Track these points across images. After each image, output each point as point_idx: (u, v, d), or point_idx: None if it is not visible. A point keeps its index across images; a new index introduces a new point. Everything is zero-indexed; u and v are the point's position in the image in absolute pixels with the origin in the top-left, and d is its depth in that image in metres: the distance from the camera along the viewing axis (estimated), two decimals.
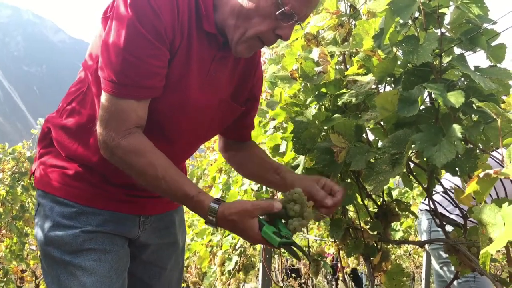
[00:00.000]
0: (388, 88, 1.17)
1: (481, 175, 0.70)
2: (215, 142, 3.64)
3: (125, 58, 0.99)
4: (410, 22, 1.05)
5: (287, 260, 6.21)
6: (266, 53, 2.74)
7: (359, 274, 5.85)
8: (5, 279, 3.91)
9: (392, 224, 1.77)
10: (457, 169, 0.90)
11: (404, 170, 1.05)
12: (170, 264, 1.34)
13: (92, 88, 1.12)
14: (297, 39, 1.51)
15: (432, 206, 1.04)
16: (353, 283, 5.58)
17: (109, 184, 1.16)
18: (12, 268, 4.09)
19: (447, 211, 1.89)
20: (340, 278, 6.85)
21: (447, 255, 1.05)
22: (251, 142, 1.42)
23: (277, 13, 1.03)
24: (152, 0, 0.99)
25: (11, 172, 4.15)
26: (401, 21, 1.03)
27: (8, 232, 4.04)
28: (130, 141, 1.02)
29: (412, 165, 1.12)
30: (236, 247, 2.96)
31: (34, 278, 5.59)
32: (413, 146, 0.90)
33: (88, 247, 1.11)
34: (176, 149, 1.20)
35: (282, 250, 2.80)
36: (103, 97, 1.03)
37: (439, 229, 1.05)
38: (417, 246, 5.59)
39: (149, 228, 1.26)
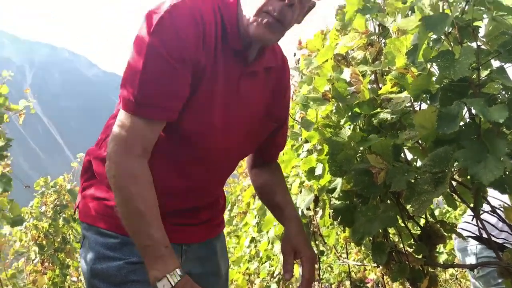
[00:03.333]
0: (424, 105, 1.15)
1: None
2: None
3: (142, 77, 1.00)
4: (443, 37, 1.03)
5: (326, 287, 6.04)
6: (295, 76, 2.76)
7: None
8: None
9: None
10: (505, 186, 0.86)
11: (448, 189, 1.01)
12: None
13: None
14: (327, 60, 1.51)
15: (481, 226, 0.99)
16: None
17: None
18: None
19: (493, 235, 1.79)
20: None
21: (499, 280, 0.99)
22: (275, 164, 1.44)
23: None
24: (176, 21, 1.00)
25: (53, 205, 4.29)
26: (434, 37, 1.01)
27: (50, 264, 4.14)
28: (132, 163, 1.01)
29: (455, 183, 1.07)
30: (274, 275, 2.91)
31: None
32: (456, 163, 0.87)
33: (132, 279, 1.10)
34: (213, 168, 1.19)
35: (321, 276, 2.73)
36: (119, 114, 1.04)
37: (488, 254, 0.99)
38: (464, 270, 5.31)
39: (191, 257, 1.24)
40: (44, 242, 4.07)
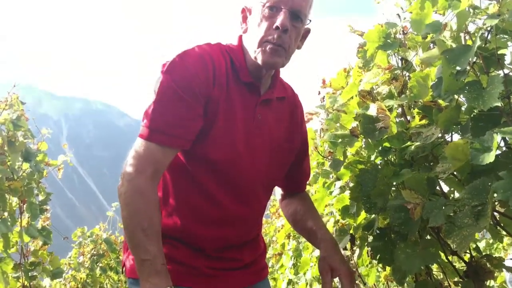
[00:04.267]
0: (455, 136, 1.13)
1: None
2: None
3: (155, 108, 1.13)
4: (468, 67, 1.03)
5: None
6: (321, 114, 2.77)
7: None
8: None
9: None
10: None
11: (490, 221, 0.97)
12: None
13: None
14: (352, 97, 1.52)
15: None
16: None
17: (194, 258, 1.21)
18: None
19: None
20: None
21: None
22: (304, 193, 1.53)
23: (264, 12, 1.17)
24: (186, 61, 1.14)
25: (90, 254, 4.35)
26: (459, 68, 1.01)
27: None
28: (142, 183, 1.10)
29: (497, 215, 1.03)
30: None
31: None
32: (495, 195, 0.84)
33: None
34: (243, 197, 1.25)
35: None
36: (135, 142, 1.15)
37: None
38: None
39: None
40: None
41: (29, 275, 2.39)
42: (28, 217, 2.57)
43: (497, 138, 0.85)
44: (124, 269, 1.30)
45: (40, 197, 2.84)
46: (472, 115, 0.98)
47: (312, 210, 1.44)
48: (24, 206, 2.58)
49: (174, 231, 1.21)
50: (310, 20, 1.26)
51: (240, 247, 1.29)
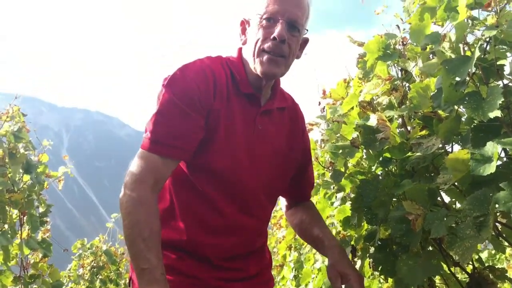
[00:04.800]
0: (456, 147, 1.13)
1: None
2: (281, 218, 3.59)
3: (157, 119, 1.15)
4: (467, 78, 1.03)
5: None
6: (321, 124, 2.77)
7: None
8: None
9: None
10: None
11: (492, 232, 0.97)
12: None
13: None
14: (352, 108, 1.52)
15: None
16: None
17: (199, 269, 1.21)
18: None
19: None
20: None
21: None
22: (309, 202, 1.53)
23: (261, 23, 1.19)
24: (187, 75, 1.17)
25: (90, 266, 4.33)
26: (458, 79, 1.01)
27: None
28: (143, 192, 1.11)
29: (499, 226, 1.03)
30: None
31: None
32: (497, 206, 0.83)
33: None
34: (245, 206, 1.25)
35: None
36: (137, 153, 1.17)
37: None
38: None
39: None
40: None
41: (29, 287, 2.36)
42: (29, 229, 2.57)
43: (498, 148, 0.85)
44: (131, 282, 1.30)
45: (41, 209, 2.83)
46: (472, 126, 0.98)
47: (318, 219, 1.44)
48: (25, 218, 2.57)
49: (179, 242, 1.22)
50: (307, 30, 1.28)
51: (245, 257, 1.29)
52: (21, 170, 2.61)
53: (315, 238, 1.38)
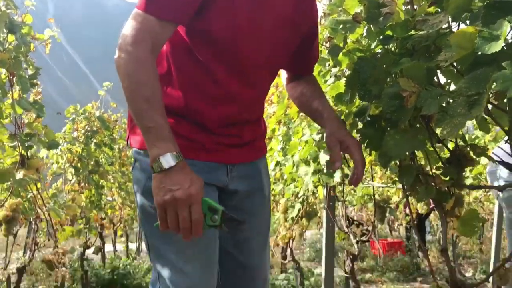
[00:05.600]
0: (462, 26, 1.09)
1: None
2: (272, 94, 3.62)
3: None
4: None
5: (346, 208, 6.24)
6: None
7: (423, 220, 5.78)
8: (88, 226, 4.36)
9: None
10: None
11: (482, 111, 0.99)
12: (258, 210, 1.40)
13: None
14: None
15: None
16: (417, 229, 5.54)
17: (197, 133, 1.24)
18: (93, 216, 4.52)
19: None
20: (404, 224, 6.79)
21: None
22: (311, 76, 1.50)
23: None
24: None
25: (84, 130, 4.45)
26: None
27: (86, 184, 4.41)
28: (142, 53, 1.07)
29: (490, 106, 1.05)
30: (299, 195, 3.02)
31: (112, 225, 6.13)
32: (493, 85, 0.84)
33: None
34: (246, 79, 1.25)
35: (345, 198, 2.82)
36: (132, 13, 1.11)
37: None
38: (488, 193, 5.35)
39: (237, 176, 1.32)
40: (79, 165, 4.30)
41: (25, 145, 2.45)
42: (19, 90, 2.55)
43: (508, 27, 0.82)
44: (128, 141, 1.34)
45: (30, 71, 2.78)
46: (485, 2, 0.93)
47: (319, 92, 1.44)
48: (14, 79, 2.53)
49: (177, 108, 1.23)
50: None
51: (241, 125, 1.32)
52: (5, 30, 2.48)
53: (315, 110, 1.40)
